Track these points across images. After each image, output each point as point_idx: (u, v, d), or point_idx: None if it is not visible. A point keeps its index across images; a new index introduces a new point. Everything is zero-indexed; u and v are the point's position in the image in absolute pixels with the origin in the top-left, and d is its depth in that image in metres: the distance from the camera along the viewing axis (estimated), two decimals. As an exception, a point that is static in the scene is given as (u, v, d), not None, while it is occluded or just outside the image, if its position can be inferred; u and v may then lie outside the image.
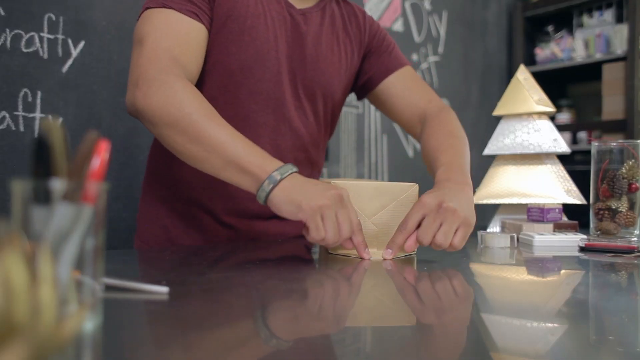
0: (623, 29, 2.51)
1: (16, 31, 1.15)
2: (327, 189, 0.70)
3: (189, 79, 0.82)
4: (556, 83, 2.93)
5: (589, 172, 1.00)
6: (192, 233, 0.94)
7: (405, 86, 1.07)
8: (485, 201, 1.17)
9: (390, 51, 1.11)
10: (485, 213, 2.57)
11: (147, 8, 0.84)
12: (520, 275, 0.72)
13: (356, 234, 0.72)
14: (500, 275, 0.72)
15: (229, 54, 0.89)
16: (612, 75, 2.53)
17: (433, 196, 0.72)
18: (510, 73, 2.84)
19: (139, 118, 0.82)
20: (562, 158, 1.46)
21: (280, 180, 0.71)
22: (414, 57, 2.32)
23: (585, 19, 2.72)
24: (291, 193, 0.70)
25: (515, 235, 0.94)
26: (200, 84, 0.90)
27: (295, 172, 0.73)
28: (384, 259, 0.74)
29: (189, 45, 0.83)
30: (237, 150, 0.74)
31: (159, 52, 0.80)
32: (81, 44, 1.26)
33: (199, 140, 0.76)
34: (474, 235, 0.82)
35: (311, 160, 1.03)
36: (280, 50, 0.92)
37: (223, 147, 0.74)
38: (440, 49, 2.47)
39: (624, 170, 0.94)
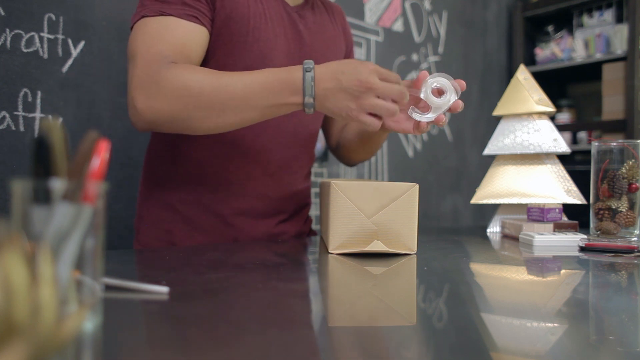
0: (623, 29, 2.51)
1: (16, 31, 1.15)
2: (353, 90, 0.74)
3: None
4: (556, 83, 2.93)
5: (589, 172, 1.00)
6: (197, 235, 0.94)
7: None
8: (485, 201, 1.17)
9: (353, 58, 1.18)
10: (485, 213, 2.58)
11: (143, 17, 0.82)
12: (520, 275, 0.72)
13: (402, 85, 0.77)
14: (500, 275, 0.72)
15: (234, 56, 0.88)
16: (612, 75, 2.53)
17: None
18: (510, 73, 2.84)
19: (154, 128, 0.81)
20: (562, 158, 1.46)
21: (314, 96, 0.76)
22: (414, 57, 2.32)
23: (585, 19, 2.72)
24: (329, 103, 0.76)
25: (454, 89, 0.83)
26: None
27: (313, 68, 0.77)
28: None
29: (184, 46, 0.82)
30: (265, 96, 0.77)
31: (150, 57, 0.79)
32: (81, 44, 1.26)
33: (224, 108, 0.77)
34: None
35: (310, 154, 1.05)
36: (280, 49, 0.92)
37: (247, 101, 0.77)
38: (440, 49, 2.47)
39: (624, 170, 0.94)
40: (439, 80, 0.82)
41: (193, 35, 0.83)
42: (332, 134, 1.16)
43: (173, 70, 0.77)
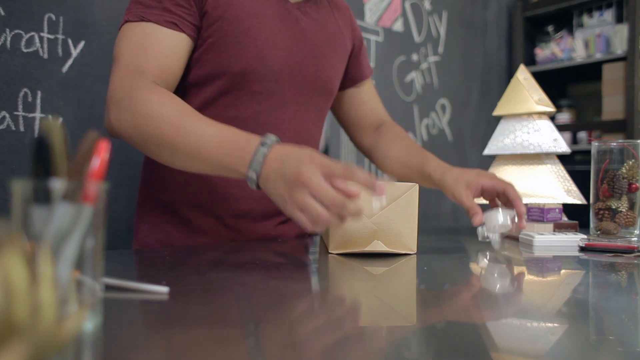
0: (623, 29, 2.51)
1: (16, 31, 1.15)
2: (290, 180, 0.65)
3: (165, 88, 0.82)
4: (556, 83, 2.93)
5: (589, 172, 1.00)
6: (195, 237, 0.93)
7: (373, 93, 1.17)
8: (485, 201, 1.17)
9: (364, 55, 1.16)
10: (485, 213, 2.57)
11: (127, 21, 0.84)
12: (520, 275, 0.72)
13: (350, 184, 0.65)
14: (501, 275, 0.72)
15: (229, 57, 0.87)
16: (612, 75, 2.53)
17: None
18: (510, 73, 2.84)
19: (122, 139, 0.82)
20: (562, 158, 1.46)
21: (259, 176, 0.68)
22: (414, 57, 2.32)
23: (585, 19, 2.73)
24: (269, 186, 0.68)
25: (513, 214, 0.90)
26: (200, 89, 0.89)
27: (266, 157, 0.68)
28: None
29: (164, 57, 0.82)
30: (215, 153, 0.72)
31: (129, 70, 0.80)
32: (81, 44, 1.26)
33: (176, 150, 0.75)
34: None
35: None
36: (280, 47, 0.91)
37: (199, 153, 0.73)
38: (440, 49, 2.47)
39: (624, 170, 0.94)
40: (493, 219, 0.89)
41: (172, 44, 0.83)
42: (364, 131, 1.15)
43: (144, 94, 0.78)
